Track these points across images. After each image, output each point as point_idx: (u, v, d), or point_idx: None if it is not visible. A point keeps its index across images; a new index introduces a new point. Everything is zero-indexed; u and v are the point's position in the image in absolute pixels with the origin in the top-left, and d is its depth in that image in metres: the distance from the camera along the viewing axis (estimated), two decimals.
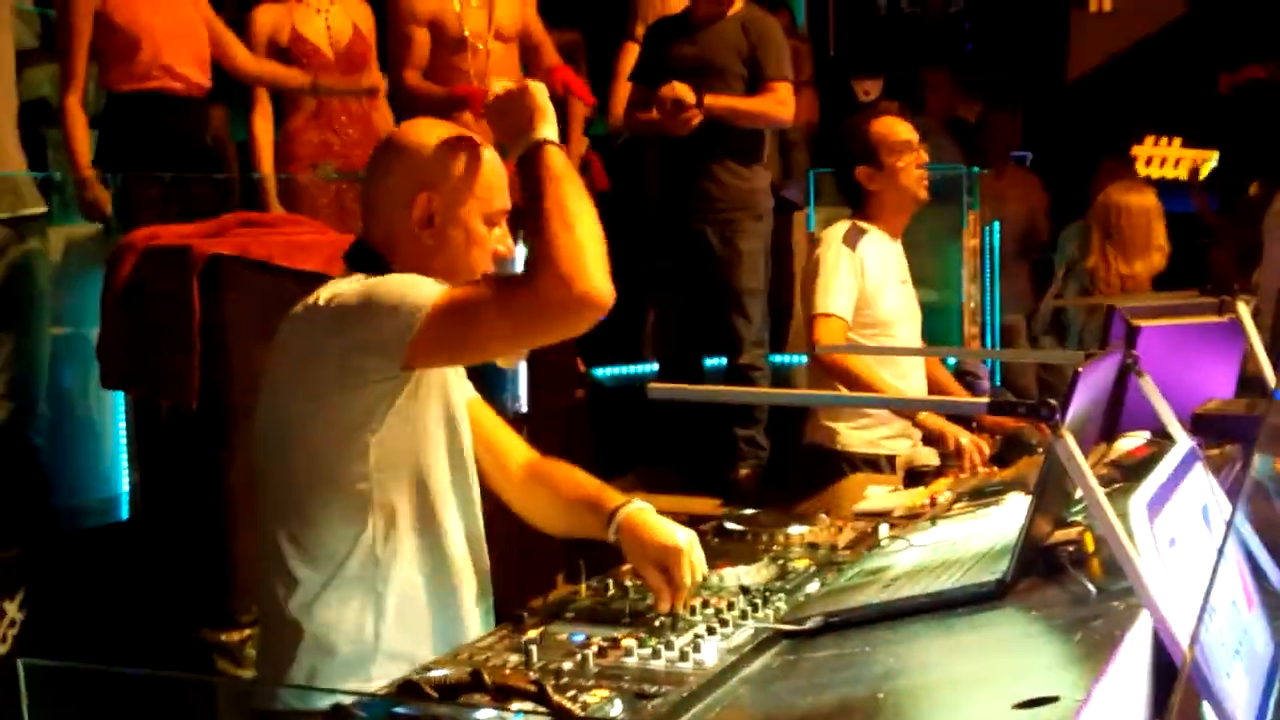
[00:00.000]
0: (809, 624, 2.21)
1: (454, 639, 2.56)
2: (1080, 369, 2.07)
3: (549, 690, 1.65)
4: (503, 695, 1.65)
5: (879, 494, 3.74)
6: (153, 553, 3.82)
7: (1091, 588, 2.05)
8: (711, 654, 2.17)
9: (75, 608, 3.88)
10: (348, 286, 2.55)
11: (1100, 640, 1.77)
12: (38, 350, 4.58)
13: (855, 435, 4.67)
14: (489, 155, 2.72)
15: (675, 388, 3.95)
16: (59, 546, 4.03)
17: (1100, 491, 1.85)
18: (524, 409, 6.12)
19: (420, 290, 2.47)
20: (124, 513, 4.36)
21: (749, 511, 3.19)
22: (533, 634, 2.36)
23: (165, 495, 3.84)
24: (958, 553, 2.46)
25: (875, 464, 4.57)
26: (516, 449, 2.89)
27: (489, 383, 6.43)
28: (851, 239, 4.67)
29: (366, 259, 2.67)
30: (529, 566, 3.52)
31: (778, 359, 6.91)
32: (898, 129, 4.75)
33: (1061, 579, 2.13)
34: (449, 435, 2.65)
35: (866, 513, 3.37)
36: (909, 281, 4.88)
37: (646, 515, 2.60)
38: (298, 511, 2.56)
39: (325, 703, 1.82)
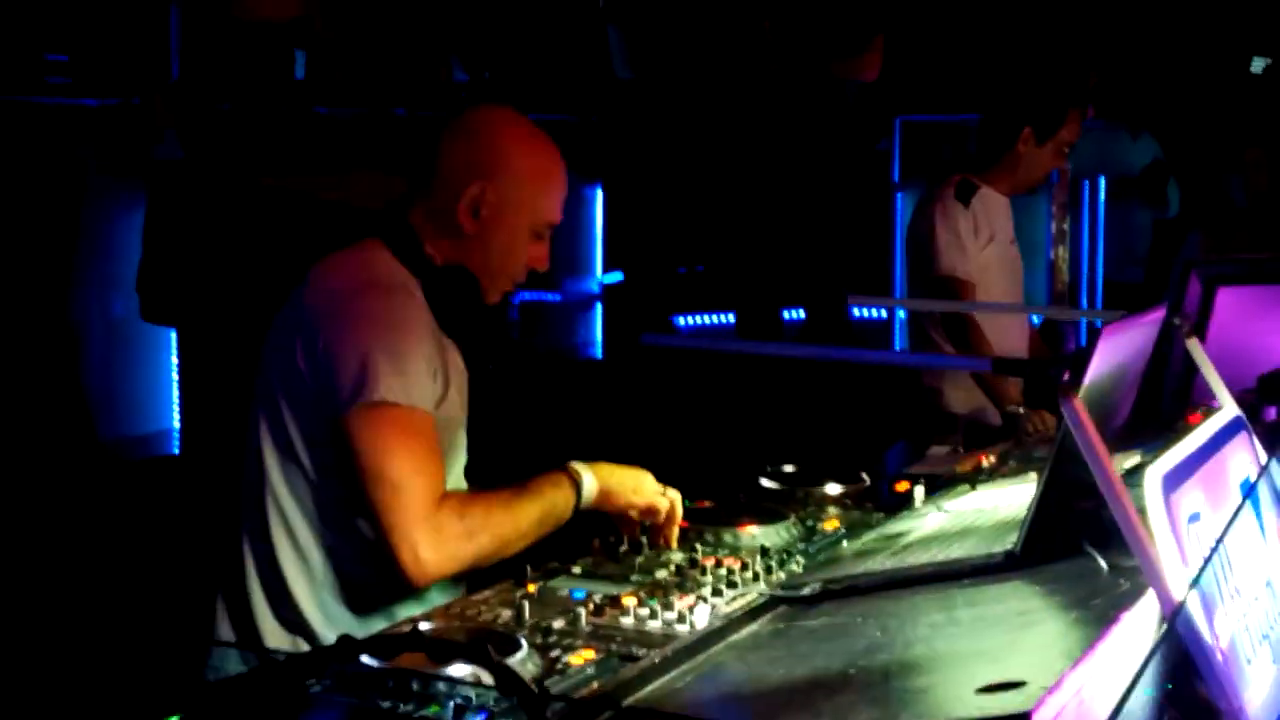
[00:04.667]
0: (805, 590, 2.10)
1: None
2: (1105, 328, 1.93)
3: (491, 650, 1.55)
4: (443, 654, 1.57)
5: (938, 454, 3.62)
6: (201, 486, 3.79)
7: (1103, 563, 1.91)
8: (703, 618, 2.07)
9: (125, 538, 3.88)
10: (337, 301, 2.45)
11: (1095, 620, 1.64)
12: (86, 285, 4.53)
13: (959, 396, 4.52)
14: (555, 163, 2.64)
15: (669, 337, 3.83)
16: (109, 477, 4.03)
17: (1106, 459, 1.71)
18: (599, 355, 6.06)
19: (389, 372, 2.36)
20: (174, 447, 4.34)
21: (789, 468, 3.07)
22: (531, 589, 2.27)
23: (210, 431, 3.81)
24: (980, 520, 2.34)
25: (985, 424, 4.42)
26: None
27: (564, 327, 6.45)
28: (964, 194, 4.53)
29: (396, 233, 2.57)
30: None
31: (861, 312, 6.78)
32: (1078, 128, 4.64)
33: (1079, 553, 2.00)
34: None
35: (916, 474, 3.24)
36: (1015, 240, 4.75)
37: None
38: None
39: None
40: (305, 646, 2.45)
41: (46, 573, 3.64)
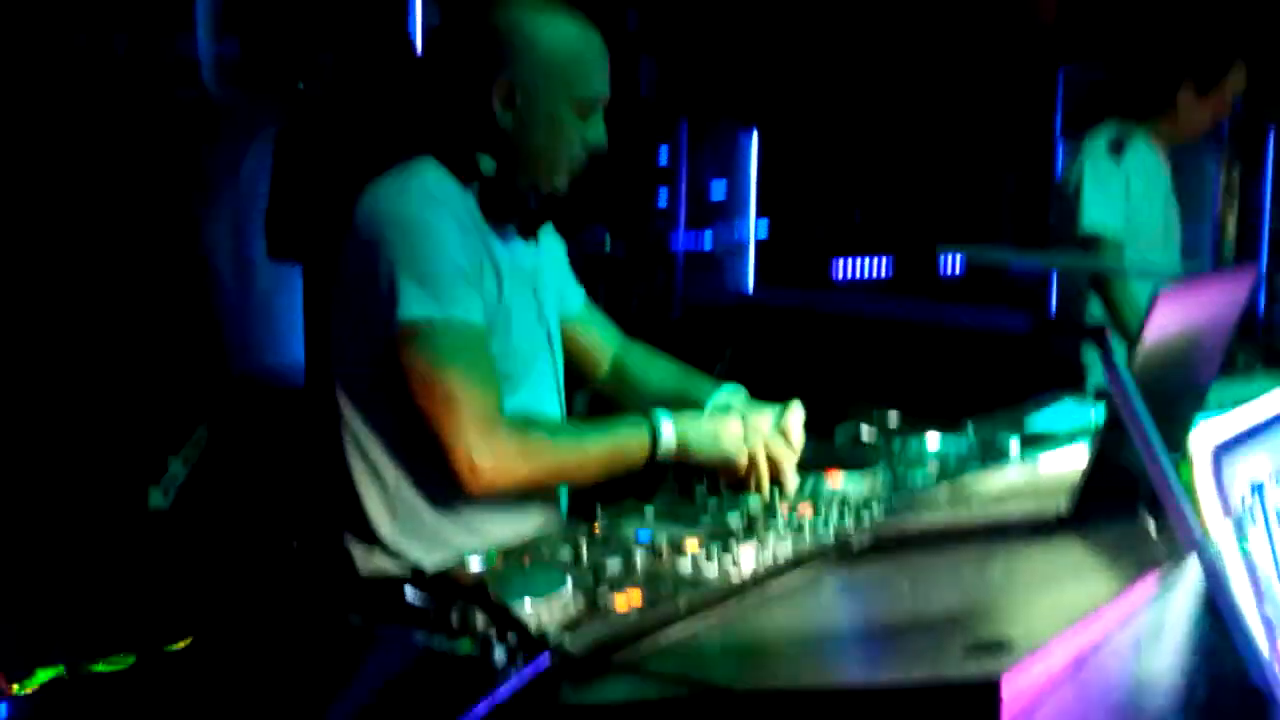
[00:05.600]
0: (853, 542, 2.06)
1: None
2: (1161, 293, 1.84)
3: (490, 593, 1.55)
4: (444, 595, 1.58)
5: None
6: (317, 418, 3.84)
7: (1152, 527, 1.84)
8: (749, 566, 2.04)
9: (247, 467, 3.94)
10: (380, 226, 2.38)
11: (1117, 582, 1.59)
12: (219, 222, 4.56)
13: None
14: (583, 36, 2.51)
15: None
16: (237, 407, 4.11)
17: (1142, 419, 1.64)
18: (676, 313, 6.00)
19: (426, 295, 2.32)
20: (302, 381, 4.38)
21: (894, 424, 3.00)
22: (596, 528, 2.26)
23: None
24: (1058, 478, 2.27)
25: None
26: (610, 344, 2.83)
27: (717, 270, 6.39)
28: (1116, 147, 4.38)
29: (445, 145, 2.51)
30: None
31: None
32: (1243, 80, 4.46)
33: (1134, 516, 1.93)
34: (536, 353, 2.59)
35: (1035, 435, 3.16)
36: (1172, 194, 4.58)
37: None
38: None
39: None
40: (388, 564, 2.45)
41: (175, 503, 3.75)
